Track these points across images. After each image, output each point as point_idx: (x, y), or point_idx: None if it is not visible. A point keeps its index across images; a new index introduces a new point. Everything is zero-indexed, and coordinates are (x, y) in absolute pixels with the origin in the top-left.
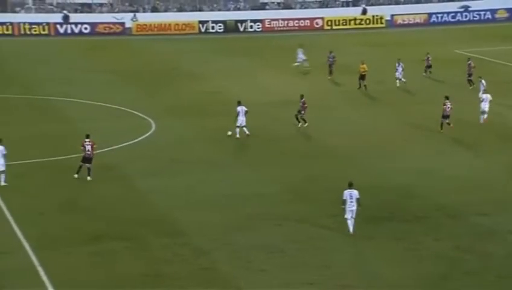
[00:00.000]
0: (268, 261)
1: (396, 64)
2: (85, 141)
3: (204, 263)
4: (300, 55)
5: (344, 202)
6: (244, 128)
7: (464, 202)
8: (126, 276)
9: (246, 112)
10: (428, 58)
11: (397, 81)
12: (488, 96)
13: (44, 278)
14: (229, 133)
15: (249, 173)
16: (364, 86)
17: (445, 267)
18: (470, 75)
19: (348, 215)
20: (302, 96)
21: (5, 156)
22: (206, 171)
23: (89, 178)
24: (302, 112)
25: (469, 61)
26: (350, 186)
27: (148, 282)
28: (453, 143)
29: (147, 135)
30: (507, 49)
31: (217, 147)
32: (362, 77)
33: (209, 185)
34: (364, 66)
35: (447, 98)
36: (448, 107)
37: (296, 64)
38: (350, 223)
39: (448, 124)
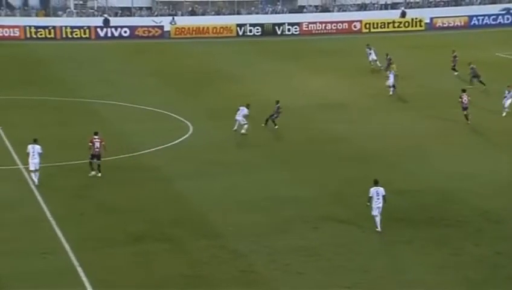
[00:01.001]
0: (306, 264)
1: (388, 70)
2: (94, 138)
3: (242, 265)
4: (373, 56)
5: (370, 199)
6: (245, 126)
7: (505, 207)
8: (165, 277)
9: (246, 115)
10: (455, 56)
11: (390, 89)
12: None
13: (84, 278)
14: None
15: (286, 176)
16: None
17: (486, 273)
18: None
19: (375, 212)
20: (277, 102)
21: (40, 155)
22: (243, 174)
23: (99, 174)
24: (274, 116)
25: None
26: (376, 183)
27: (187, 283)
28: (494, 147)
29: (185, 137)
30: None
31: (254, 150)
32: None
33: (246, 187)
34: (393, 66)
35: (463, 90)
36: (466, 100)
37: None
38: (378, 220)
39: (466, 117)
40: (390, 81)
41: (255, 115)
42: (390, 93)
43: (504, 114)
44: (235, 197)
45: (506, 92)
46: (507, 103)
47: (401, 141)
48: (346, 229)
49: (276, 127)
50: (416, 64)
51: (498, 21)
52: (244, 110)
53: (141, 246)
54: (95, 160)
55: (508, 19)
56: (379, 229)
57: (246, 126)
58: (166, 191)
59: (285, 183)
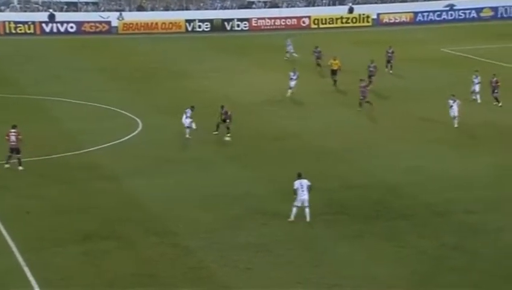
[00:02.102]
0: (255, 260)
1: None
2: (10, 132)
3: (193, 262)
4: (290, 48)
5: (295, 191)
6: (187, 130)
7: (450, 200)
8: (115, 275)
9: (190, 117)
10: (388, 52)
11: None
12: (457, 102)
13: (31, 278)
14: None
15: (238, 173)
16: (335, 81)
17: (431, 265)
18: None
19: (298, 203)
20: (222, 107)
21: None
22: (194, 171)
23: (20, 168)
24: (228, 121)
25: (493, 78)
26: (299, 176)
27: (138, 282)
28: (440, 142)
29: (134, 134)
30: (492, 47)
31: (205, 146)
32: (334, 72)
33: (197, 184)
34: (337, 62)
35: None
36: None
37: (287, 56)
38: (307, 211)
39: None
40: (292, 83)
41: (206, 111)
42: (288, 94)
43: (456, 125)
44: (186, 195)
45: (451, 101)
46: (455, 112)
47: (349, 137)
48: (296, 225)
49: (228, 135)
50: (363, 59)
51: (442, 17)
52: (188, 112)
53: (90, 245)
54: (14, 153)
55: (451, 15)
56: (308, 219)
57: (188, 130)
58: (115, 189)
59: (236, 180)
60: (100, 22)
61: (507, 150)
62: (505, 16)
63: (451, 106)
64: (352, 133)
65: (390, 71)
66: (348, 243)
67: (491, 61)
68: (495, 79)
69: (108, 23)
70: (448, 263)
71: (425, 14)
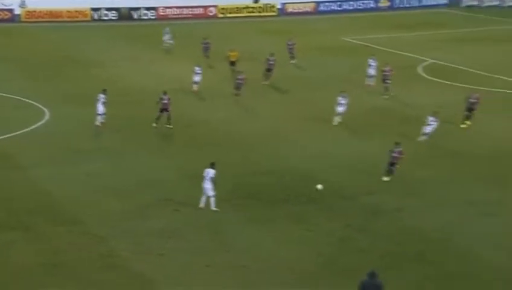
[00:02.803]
0: (167, 245)
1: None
2: None
3: (103, 250)
4: (166, 36)
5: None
6: (99, 117)
7: (355, 184)
8: (23, 266)
9: (104, 102)
10: (289, 43)
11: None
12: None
13: None
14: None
15: (149, 161)
16: (233, 71)
17: (337, 246)
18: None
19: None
20: (165, 93)
21: None
22: (105, 160)
23: None
24: (169, 110)
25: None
26: (211, 165)
27: (46, 272)
28: (343, 129)
29: (41, 123)
30: (390, 36)
31: (114, 135)
32: (232, 63)
33: (107, 173)
34: (235, 53)
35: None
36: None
37: (166, 45)
38: (204, 199)
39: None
40: (197, 78)
41: (117, 100)
42: (194, 89)
43: (335, 123)
44: (96, 183)
45: (341, 98)
46: (341, 110)
47: (260, 125)
48: (207, 211)
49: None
50: (269, 48)
51: (343, 7)
52: (102, 96)
53: None
54: None
55: (351, 5)
56: (214, 208)
57: (99, 117)
58: (22, 178)
59: (147, 168)
60: (2, 10)
61: (393, 135)
62: (400, 6)
63: (340, 103)
64: (259, 121)
65: (292, 61)
66: (257, 227)
67: (389, 50)
68: (388, 68)
69: (11, 10)
70: (353, 244)
71: (327, 4)
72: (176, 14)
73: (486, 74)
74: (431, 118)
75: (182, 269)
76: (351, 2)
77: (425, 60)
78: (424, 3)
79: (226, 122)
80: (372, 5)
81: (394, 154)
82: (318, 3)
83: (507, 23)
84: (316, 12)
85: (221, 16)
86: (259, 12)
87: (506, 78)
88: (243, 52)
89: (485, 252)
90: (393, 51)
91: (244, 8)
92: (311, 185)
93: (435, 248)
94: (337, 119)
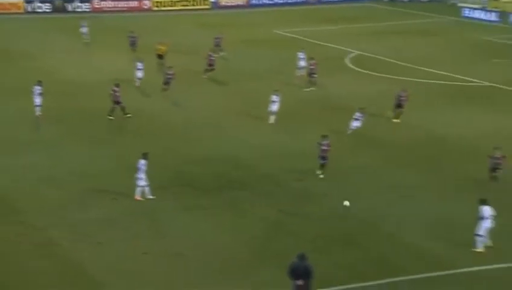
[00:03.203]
0: (105, 234)
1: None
2: None
3: (42, 239)
4: (83, 29)
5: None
6: (37, 108)
7: (286, 171)
8: None
9: (40, 93)
10: (216, 38)
11: (136, 80)
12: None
13: None
14: None
15: (86, 151)
16: (161, 64)
17: (270, 230)
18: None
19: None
20: (117, 85)
21: None
22: (43, 151)
23: None
24: (120, 103)
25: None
26: (144, 156)
27: None
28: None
29: None
30: (319, 29)
31: (53, 127)
32: (160, 57)
33: (46, 164)
34: (163, 47)
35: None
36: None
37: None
38: (147, 190)
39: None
40: (139, 74)
41: (50, 91)
42: (137, 84)
43: (271, 121)
44: (34, 174)
45: (274, 96)
46: (274, 108)
47: (191, 115)
48: (145, 199)
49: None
50: (203, 41)
51: (274, 1)
52: (38, 88)
53: None
54: None
55: None
56: (150, 196)
57: (38, 108)
58: None
59: (85, 158)
60: None
61: (324, 124)
62: (328, 0)
63: (273, 101)
64: (194, 111)
65: (221, 53)
66: (193, 215)
67: (318, 42)
68: (313, 61)
69: None
70: (285, 228)
71: None
72: (110, 7)
73: (409, 64)
74: (358, 114)
75: (120, 257)
76: None
77: (352, 52)
78: None
79: (164, 112)
80: None
81: (323, 147)
82: None
83: (428, 16)
84: (248, 5)
85: (155, 9)
86: (193, 5)
87: (428, 69)
88: (177, 45)
89: (406, 232)
90: (322, 43)
91: (178, 1)
92: (244, 173)
93: (362, 231)
94: (272, 118)
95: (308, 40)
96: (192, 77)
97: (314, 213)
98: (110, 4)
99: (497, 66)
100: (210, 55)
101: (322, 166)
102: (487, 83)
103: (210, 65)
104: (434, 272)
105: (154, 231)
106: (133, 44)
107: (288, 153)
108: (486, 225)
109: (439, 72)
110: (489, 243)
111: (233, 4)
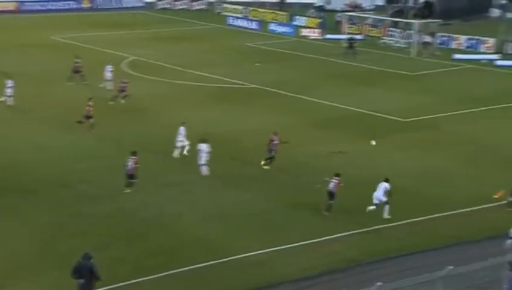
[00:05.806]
0: None
1: None
2: None
3: None
4: None
5: None
6: None
7: (70, 172)
8: None
9: None
10: None
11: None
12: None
13: None
14: None
15: None
16: None
17: (53, 234)
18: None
19: None
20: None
21: None
22: None
23: None
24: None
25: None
26: None
27: None
28: (54, 123)
29: None
30: (94, 35)
31: None
32: None
33: None
34: None
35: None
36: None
37: None
38: None
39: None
40: (9, 91)
41: None
42: (9, 103)
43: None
44: None
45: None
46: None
47: None
48: None
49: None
50: None
51: (47, 7)
52: None
53: None
54: None
55: (55, 5)
56: None
57: None
58: None
59: None
60: None
61: (113, 126)
62: (102, 6)
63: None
64: None
65: None
66: None
67: (95, 48)
68: (79, 60)
69: None
70: (71, 229)
71: (30, 4)
72: None
73: (179, 68)
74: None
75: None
76: (54, 3)
77: (128, 57)
78: (124, 5)
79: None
80: (75, 6)
81: (128, 168)
82: (21, 2)
83: (197, 24)
84: (19, 11)
85: None
86: None
87: (194, 71)
88: None
89: (189, 226)
90: (98, 48)
91: None
92: (25, 178)
93: (148, 227)
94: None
95: (85, 45)
96: None
97: (100, 212)
98: None
99: (259, 69)
100: (76, 62)
101: (129, 184)
102: (252, 85)
103: (76, 72)
104: (212, 260)
105: None
106: None
107: (72, 156)
108: None
109: (208, 75)
110: None
111: (3, 9)
